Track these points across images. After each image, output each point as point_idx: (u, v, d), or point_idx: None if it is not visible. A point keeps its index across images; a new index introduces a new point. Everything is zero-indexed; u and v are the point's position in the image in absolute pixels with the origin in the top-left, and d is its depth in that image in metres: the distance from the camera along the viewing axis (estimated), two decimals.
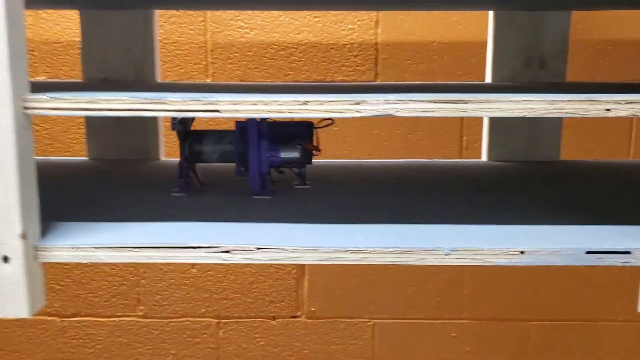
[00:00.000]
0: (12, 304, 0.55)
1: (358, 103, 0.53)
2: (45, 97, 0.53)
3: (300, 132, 0.77)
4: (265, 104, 0.53)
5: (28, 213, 0.55)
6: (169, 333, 1.43)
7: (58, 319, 1.42)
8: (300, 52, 1.30)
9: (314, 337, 1.42)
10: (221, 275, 1.40)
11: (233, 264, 0.57)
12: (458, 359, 1.43)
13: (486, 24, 1.29)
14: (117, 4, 0.98)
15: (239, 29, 1.30)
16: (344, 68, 1.31)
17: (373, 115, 0.53)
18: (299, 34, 1.30)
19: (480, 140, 1.35)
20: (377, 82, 1.31)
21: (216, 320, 1.42)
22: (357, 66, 1.30)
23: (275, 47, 1.30)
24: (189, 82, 1.31)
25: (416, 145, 1.33)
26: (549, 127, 1.05)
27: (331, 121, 0.87)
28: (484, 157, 1.08)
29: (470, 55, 1.31)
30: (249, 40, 1.30)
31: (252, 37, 1.30)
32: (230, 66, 1.31)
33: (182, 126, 0.75)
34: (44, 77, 1.34)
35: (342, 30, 1.30)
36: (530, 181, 0.89)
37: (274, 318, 1.42)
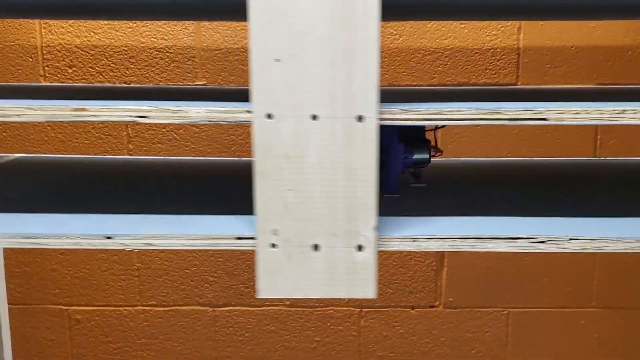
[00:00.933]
0: (361, 286, 0.64)
1: None
2: (397, 109, 0.62)
3: (414, 134, 0.81)
4: (588, 113, 0.62)
5: (376, 208, 0.63)
6: (313, 321, 1.52)
7: (210, 309, 1.52)
8: (445, 57, 1.38)
9: (450, 325, 1.51)
10: None
11: (545, 252, 0.65)
12: (586, 346, 1.51)
13: (622, 29, 1.36)
14: None
15: (389, 36, 1.38)
16: (487, 71, 1.39)
17: None
18: (445, 39, 1.38)
19: (614, 139, 1.43)
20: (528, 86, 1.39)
21: (358, 310, 1.51)
22: (499, 69, 1.38)
23: (423, 52, 1.38)
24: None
25: (553, 143, 1.41)
26: None
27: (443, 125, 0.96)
28: None
29: (606, 59, 1.38)
30: (398, 46, 1.38)
31: (401, 43, 1.38)
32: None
33: None
34: (204, 83, 1.43)
35: (487, 35, 1.37)
36: None
37: (412, 308, 1.51)
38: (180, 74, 1.42)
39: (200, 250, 1.48)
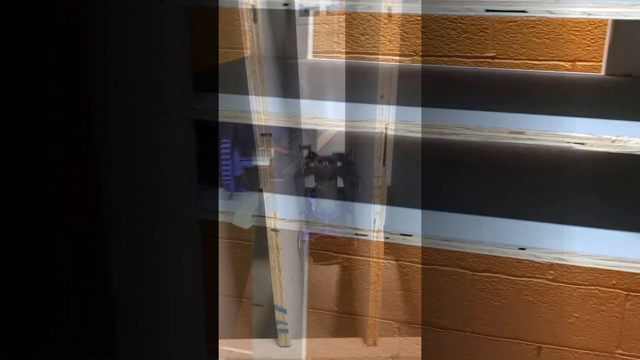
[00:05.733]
0: None
1: None
2: None
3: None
4: None
5: None
6: (575, 298, 1.52)
7: (470, 272, 1.59)
8: None
9: None
10: None
11: None
12: None
13: None
14: None
15: None
16: None
17: None
18: None
19: None
20: None
21: (625, 293, 1.48)
22: None
23: None
24: None
25: None
26: None
27: None
28: None
29: None
30: None
31: None
32: None
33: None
34: (493, 55, 1.43)
35: None
36: None
37: None
38: (470, 45, 1.43)
39: None
